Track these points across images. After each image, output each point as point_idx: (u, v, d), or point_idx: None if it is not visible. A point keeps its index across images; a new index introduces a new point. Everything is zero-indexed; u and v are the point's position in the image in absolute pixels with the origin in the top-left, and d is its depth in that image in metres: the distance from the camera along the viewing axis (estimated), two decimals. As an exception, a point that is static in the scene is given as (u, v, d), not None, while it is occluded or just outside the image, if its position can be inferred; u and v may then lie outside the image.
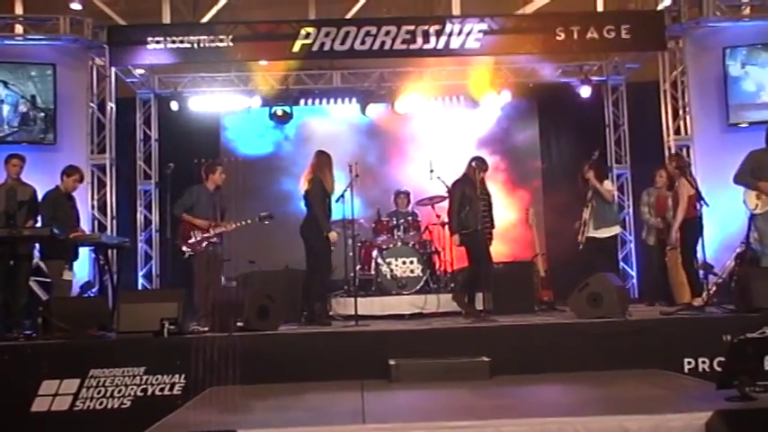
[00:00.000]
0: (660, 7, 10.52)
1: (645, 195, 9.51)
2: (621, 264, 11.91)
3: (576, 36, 10.05)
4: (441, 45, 10.04)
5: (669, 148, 10.40)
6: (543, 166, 12.41)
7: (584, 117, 11.88)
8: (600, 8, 10.47)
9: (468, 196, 8.18)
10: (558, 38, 10.06)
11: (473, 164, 8.31)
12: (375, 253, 9.65)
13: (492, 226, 8.33)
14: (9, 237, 7.24)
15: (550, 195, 11.84)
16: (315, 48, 9.97)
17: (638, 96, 11.82)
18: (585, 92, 11.77)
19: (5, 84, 9.89)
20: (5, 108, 9.89)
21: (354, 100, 11.94)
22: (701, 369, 6.39)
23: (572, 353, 6.45)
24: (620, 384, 5.68)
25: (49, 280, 8.28)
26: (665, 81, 10.68)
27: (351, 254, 9.00)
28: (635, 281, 11.83)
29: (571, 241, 8.72)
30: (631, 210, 11.70)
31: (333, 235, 8.08)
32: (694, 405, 4.52)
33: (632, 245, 11.86)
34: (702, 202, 7.92)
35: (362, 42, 9.96)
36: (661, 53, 10.66)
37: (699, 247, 7.97)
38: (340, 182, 8.49)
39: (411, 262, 9.48)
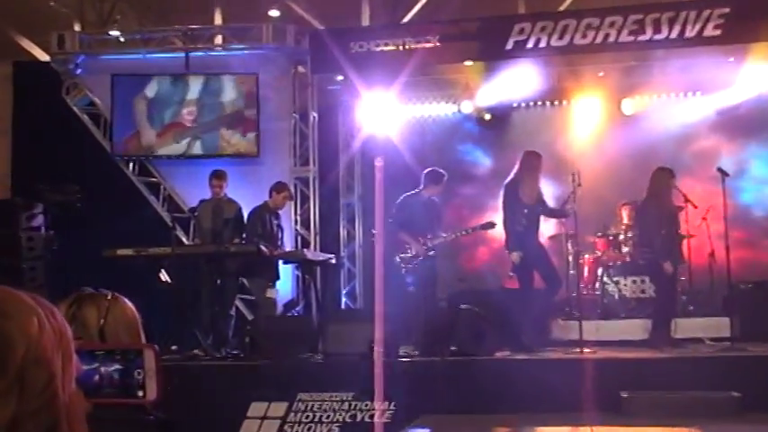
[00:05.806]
0: None
1: None
2: None
3: None
4: (674, 34, 9.64)
5: None
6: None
7: None
8: None
9: None
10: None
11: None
12: (600, 271, 9.46)
13: None
14: (216, 254, 7.80)
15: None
16: (530, 44, 9.88)
17: None
18: None
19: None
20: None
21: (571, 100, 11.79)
22: None
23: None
24: None
25: (252, 298, 8.83)
26: None
27: (572, 271, 8.90)
28: None
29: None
30: None
31: (513, 256, 8.02)
32: None
33: None
34: None
35: (584, 36, 9.72)
36: None
37: None
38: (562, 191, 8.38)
39: (642, 281, 9.21)
